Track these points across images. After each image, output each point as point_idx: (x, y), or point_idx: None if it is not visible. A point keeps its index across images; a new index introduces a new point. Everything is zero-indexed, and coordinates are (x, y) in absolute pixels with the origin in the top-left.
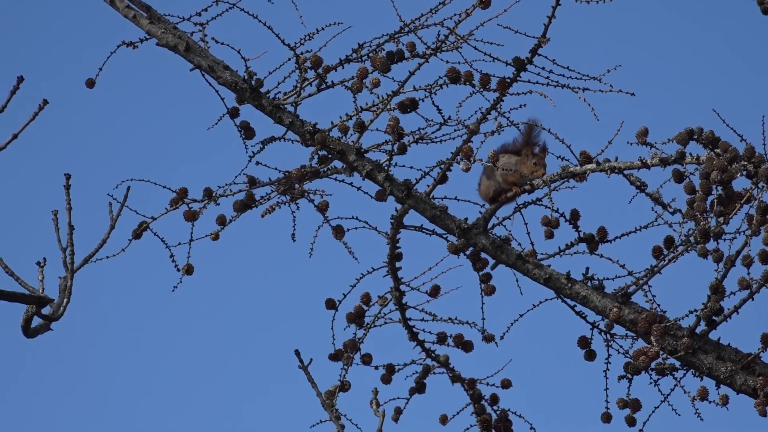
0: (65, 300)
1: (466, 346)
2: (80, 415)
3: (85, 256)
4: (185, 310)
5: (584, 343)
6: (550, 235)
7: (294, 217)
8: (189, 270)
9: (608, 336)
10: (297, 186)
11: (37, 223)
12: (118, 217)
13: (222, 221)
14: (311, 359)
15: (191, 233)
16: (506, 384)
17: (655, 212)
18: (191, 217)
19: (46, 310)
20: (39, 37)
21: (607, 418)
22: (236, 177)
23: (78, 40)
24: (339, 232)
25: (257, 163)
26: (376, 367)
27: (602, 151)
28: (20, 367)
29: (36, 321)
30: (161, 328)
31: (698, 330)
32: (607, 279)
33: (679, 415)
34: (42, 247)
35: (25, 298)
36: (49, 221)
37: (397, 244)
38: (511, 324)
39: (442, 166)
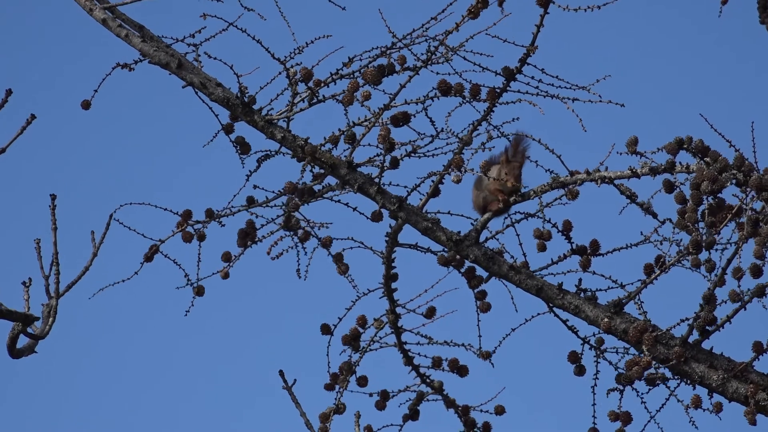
0: (51, 319)
1: (461, 370)
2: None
3: (68, 283)
4: (178, 323)
5: (574, 358)
6: (542, 248)
7: (298, 253)
8: (200, 291)
9: (598, 351)
10: (298, 202)
11: (23, 241)
12: (101, 244)
13: (227, 258)
14: (295, 380)
15: (198, 254)
16: (500, 411)
17: (653, 228)
18: (189, 238)
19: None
20: (28, 51)
21: None
22: (235, 196)
23: (67, 54)
24: (340, 261)
25: (254, 186)
26: (371, 394)
27: (598, 167)
28: (4, 386)
29: (22, 341)
30: (154, 340)
31: (690, 339)
32: (600, 290)
33: (662, 429)
34: (28, 266)
35: (11, 314)
36: (37, 239)
37: (393, 264)
38: (503, 339)
39: (434, 178)
